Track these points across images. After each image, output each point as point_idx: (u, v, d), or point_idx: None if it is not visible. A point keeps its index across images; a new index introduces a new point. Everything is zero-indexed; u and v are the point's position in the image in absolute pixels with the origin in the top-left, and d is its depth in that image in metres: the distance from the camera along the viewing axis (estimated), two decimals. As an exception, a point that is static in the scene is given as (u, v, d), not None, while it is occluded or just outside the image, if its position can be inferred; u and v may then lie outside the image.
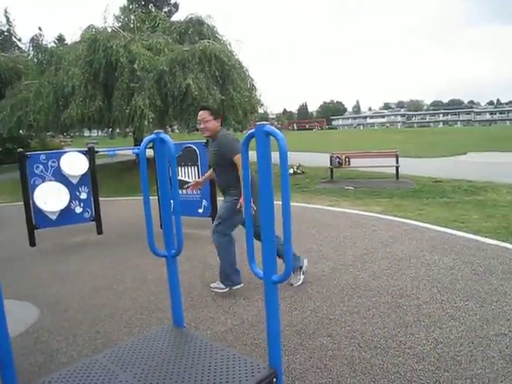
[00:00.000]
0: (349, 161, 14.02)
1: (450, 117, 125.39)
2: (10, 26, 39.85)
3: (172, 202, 2.65)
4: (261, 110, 19.91)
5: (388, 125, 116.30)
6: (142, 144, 2.61)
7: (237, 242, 4.57)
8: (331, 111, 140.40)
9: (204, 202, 7.14)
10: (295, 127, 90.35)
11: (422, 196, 10.34)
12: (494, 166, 16.11)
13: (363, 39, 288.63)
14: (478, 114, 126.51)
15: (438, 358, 3.13)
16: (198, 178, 7.08)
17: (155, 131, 2.61)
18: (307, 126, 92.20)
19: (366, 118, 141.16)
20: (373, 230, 6.91)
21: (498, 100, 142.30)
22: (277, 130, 1.87)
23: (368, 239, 6.36)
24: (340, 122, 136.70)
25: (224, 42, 17.96)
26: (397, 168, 13.24)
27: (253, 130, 1.95)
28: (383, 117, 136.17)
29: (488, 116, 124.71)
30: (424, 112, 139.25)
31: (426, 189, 11.37)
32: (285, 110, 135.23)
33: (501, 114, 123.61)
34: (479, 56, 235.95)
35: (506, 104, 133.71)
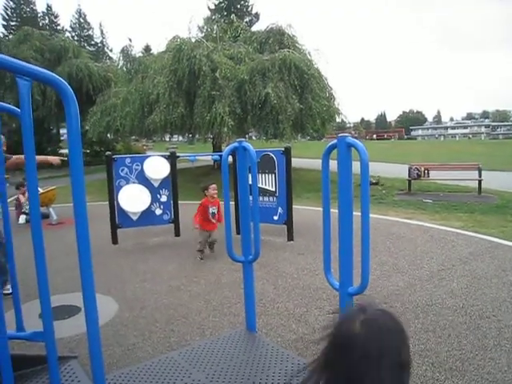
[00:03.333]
0: (428, 173, 13.53)
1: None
2: (103, 37, 42.58)
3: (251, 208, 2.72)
4: (338, 119, 19.70)
5: (470, 136, 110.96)
6: (224, 151, 2.70)
7: (311, 253, 4.57)
8: (410, 121, 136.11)
9: (280, 210, 7.19)
10: (375, 137, 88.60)
11: (506, 212, 9.77)
12: None
13: (446, 47, 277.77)
14: None
15: (516, 385, 2.98)
16: (275, 185, 7.16)
17: (238, 139, 2.70)
18: (385, 136, 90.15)
19: (447, 128, 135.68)
20: (451, 245, 6.64)
21: None
22: (359, 142, 1.88)
23: (446, 255, 6.13)
24: (419, 132, 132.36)
25: (303, 51, 18.01)
26: (479, 182, 12.60)
27: (335, 141, 1.97)
28: (465, 127, 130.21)
29: None
30: (511, 123, 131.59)
31: (511, 205, 10.75)
32: (362, 118, 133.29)
33: None
34: None
35: None
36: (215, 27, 19.60)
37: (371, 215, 7.12)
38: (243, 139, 2.68)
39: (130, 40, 23.03)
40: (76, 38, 40.55)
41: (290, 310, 4.39)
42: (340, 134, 1.93)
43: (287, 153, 6.97)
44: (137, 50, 25.23)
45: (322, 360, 1.12)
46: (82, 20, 42.72)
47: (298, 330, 3.94)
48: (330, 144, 2.02)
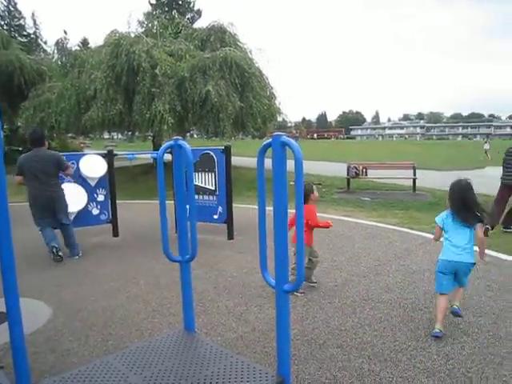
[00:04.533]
0: (366, 171, 13.97)
1: (469, 130, 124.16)
2: (36, 28, 40.63)
3: (188, 207, 2.68)
4: (280, 118, 19.92)
5: (407, 136, 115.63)
6: (160, 149, 2.65)
7: (251, 251, 4.59)
8: (350, 121, 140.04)
9: (220, 209, 7.17)
10: (315, 136, 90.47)
11: (438, 209, 10.16)
12: None
13: (383, 49, 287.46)
14: (499, 127, 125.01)
15: (448, 374, 3.11)
16: (215, 184, 7.13)
17: (174, 138, 2.65)
18: (326, 135, 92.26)
19: (384, 128, 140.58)
20: (388, 241, 6.87)
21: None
22: (293, 141, 1.89)
23: (382, 251, 6.34)
24: (359, 132, 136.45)
25: (245, 49, 18.07)
26: (414, 180, 13.14)
27: (270, 140, 1.97)
28: (402, 128, 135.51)
29: (509, 130, 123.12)
30: (443, 124, 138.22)
31: (443, 202, 11.23)
32: (304, 118, 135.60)
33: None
34: (500, 70, 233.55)
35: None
36: (156, 23, 19.26)
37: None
38: (179, 137, 2.64)
39: (66, 32, 22.08)
40: (5, 27, 38.28)
41: (230, 309, 4.38)
42: (275, 133, 1.94)
43: (227, 151, 6.96)
44: (73, 43, 24.31)
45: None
46: (11, 8, 40.15)
47: (237, 328, 3.93)
48: (265, 143, 2.02)
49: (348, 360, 3.33)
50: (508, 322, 3.96)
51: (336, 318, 4.09)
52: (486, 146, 32.78)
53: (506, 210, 7.64)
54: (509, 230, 7.62)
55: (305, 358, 3.36)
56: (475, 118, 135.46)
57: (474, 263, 3.81)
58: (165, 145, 2.68)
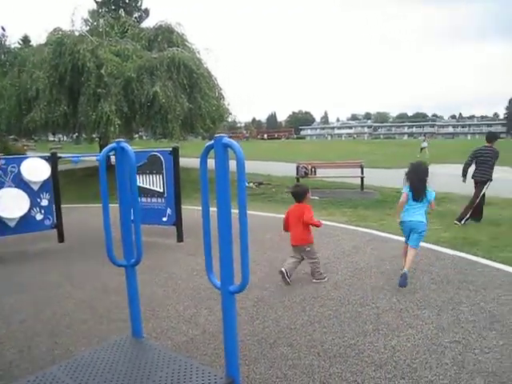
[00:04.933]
0: (315, 171, 14.18)
1: (414, 129, 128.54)
2: (-28, 24, 38.75)
3: (132, 210, 2.63)
4: (229, 119, 19.92)
5: (355, 136, 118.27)
6: (101, 152, 2.58)
7: (201, 253, 4.55)
8: (300, 121, 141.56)
9: (168, 211, 7.08)
10: (265, 136, 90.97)
11: (384, 206, 10.51)
12: (453, 177, 16.50)
13: (330, 50, 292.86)
14: (442, 127, 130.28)
15: (394, 366, 3.20)
16: (163, 186, 7.03)
17: (116, 140, 2.60)
18: (276, 136, 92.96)
19: (333, 128, 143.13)
20: (337, 239, 7.00)
21: (460, 114, 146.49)
22: (235, 142, 1.89)
23: (331, 249, 6.44)
24: (308, 131, 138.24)
25: (193, 50, 17.94)
26: (362, 179, 13.44)
27: (212, 142, 1.97)
28: (350, 128, 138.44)
29: (451, 129, 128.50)
30: (390, 124, 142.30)
31: (390, 199, 11.56)
32: (254, 118, 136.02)
33: (462, 127, 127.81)
34: (443, 72, 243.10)
35: (468, 118, 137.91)
36: (101, 21, 18.77)
37: (261, 213, 7.33)
38: (122, 139, 2.58)
39: (4, 29, 21.07)
40: None
41: (180, 312, 4.33)
42: (216, 135, 1.93)
43: (175, 153, 6.88)
44: (12, 41, 23.39)
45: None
46: None
47: (188, 331, 3.90)
48: (207, 144, 2.01)
49: (298, 358, 3.36)
50: (450, 313, 4.11)
51: (286, 317, 4.12)
52: (424, 144, 34.64)
53: (468, 205, 8.26)
54: (459, 223, 8.08)
55: (255, 358, 3.37)
56: (420, 117, 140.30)
57: (425, 222, 5.07)
58: (107, 147, 2.62)
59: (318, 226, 5.17)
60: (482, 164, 8.13)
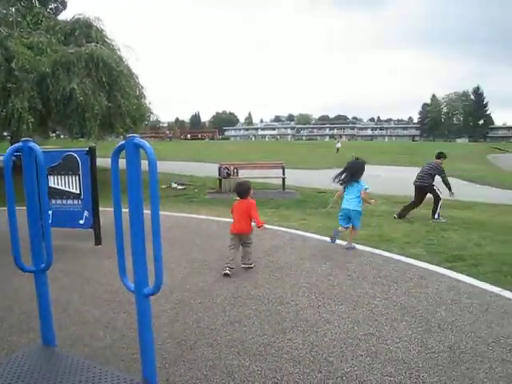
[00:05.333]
0: (237, 172, 14.26)
1: (335, 131, 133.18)
2: None
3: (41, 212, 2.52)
4: (151, 118, 19.52)
5: (278, 137, 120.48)
6: (6, 152, 2.44)
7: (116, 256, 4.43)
8: (224, 122, 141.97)
9: (86, 213, 6.83)
10: (189, 136, 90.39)
11: (305, 206, 10.81)
12: (371, 177, 17.29)
13: (255, 51, 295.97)
14: (361, 129, 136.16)
15: (312, 361, 3.30)
16: (80, 187, 6.76)
17: (23, 139, 2.47)
18: (200, 136, 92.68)
19: (257, 129, 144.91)
20: (258, 239, 7.03)
21: (378, 117, 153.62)
22: (146, 143, 1.86)
23: (252, 248, 6.49)
24: (232, 132, 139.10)
25: (113, 46, 17.38)
26: (283, 179, 13.71)
27: (123, 142, 1.93)
28: (274, 129, 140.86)
29: (370, 131, 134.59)
30: (312, 126, 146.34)
31: (310, 199, 11.93)
32: (177, 118, 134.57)
33: (380, 130, 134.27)
34: (362, 76, 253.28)
35: (385, 121, 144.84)
36: (13, 10, 17.62)
37: (182, 214, 7.27)
38: (29, 139, 2.46)
39: None
40: None
41: (98, 318, 4.19)
42: (128, 135, 1.89)
43: (92, 153, 6.63)
44: None
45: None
46: None
47: (105, 337, 3.78)
48: (119, 144, 1.97)
49: (218, 358, 3.37)
50: (365, 307, 4.30)
51: (207, 318, 4.11)
52: (338, 145, 36.74)
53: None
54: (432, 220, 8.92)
55: (175, 361, 3.34)
56: (341, 119, 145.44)
57: (359, 211, 6.43)
58: (12, 147, 2.47)
59: (259, 226, 5.62)
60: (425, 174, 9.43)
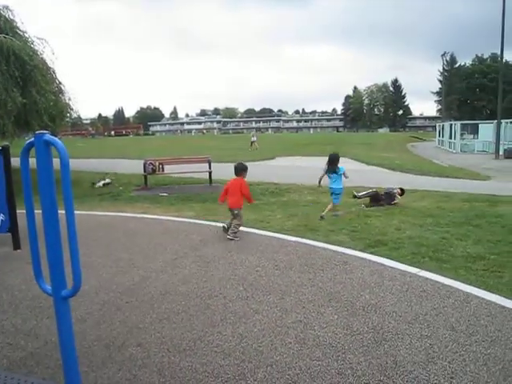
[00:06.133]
0: (162, 167, 14.02)
1: (261, 124, 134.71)
2: None
3: None
4: (74, 115, 18.68)
5: (205, 131, 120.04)
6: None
7: (43, 259, 4.22)
8: (148, 117, 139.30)
9: (1, 216, 6.45)
10: (113, 133, 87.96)
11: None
12: (297, 169, 17.71)
13: (179, 46, 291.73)
14: (287, 121, 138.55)
15: (242, 352, 3.34)
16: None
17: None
18: (124, 132, 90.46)
19: (183, 124, 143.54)
20: (184, 234, 7.02)
21: (303, 109, 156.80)
22: (57, 140, 1.79)
23: (179, 244, 6.45)
24: (158, 127, 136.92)
25: (26, 39, 16.38)
26: (210, 173, 13.66)
27: (32, 139, 1.83)
28: (200, 123, 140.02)
29: (295, 124, 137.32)
30: (238, 119, 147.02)
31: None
32: (100, 114, 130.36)
33: (305, 122, 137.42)
34: (287, 69, 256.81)
35: (310, 113, 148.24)
36: None
37: (107, 213, 7.07)
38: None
39: None
40: None
41: (18, 326, 3.97)
42: (37, 132, 1.80)
43: (5, 152, 6.27)
44: None
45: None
46: None
47: (27, 345, 3.60)
48: (28, 142, 1.87)
49: (148, 357, 3.32)
50: (293, 295, 4.41)
51: (134, 317, 4.03)
52: (254, 138, 37.43)
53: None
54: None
55: (103, 363, 3.26)
56: (266, 113, 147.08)
57: (342, 188, 8.37)
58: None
59: (249, 201, 7.16)
60: None
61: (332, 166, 8.25)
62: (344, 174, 8.28)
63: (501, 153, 29.60)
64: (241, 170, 6.93)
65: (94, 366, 3.21)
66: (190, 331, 3.72)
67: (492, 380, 2.91)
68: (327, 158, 8.40)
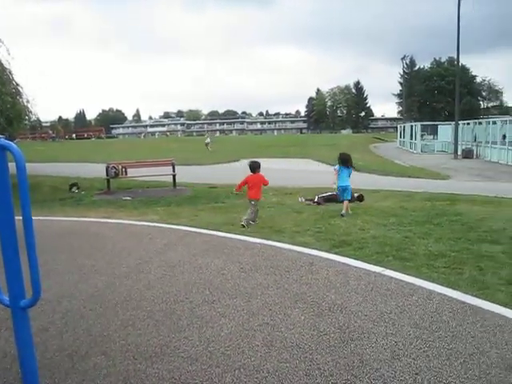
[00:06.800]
0: (125, 171, 13.79)
1: (225, 126, 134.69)
2: None
3: None
4: (33, 118, 18.15)
5: (169, 133, 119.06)
6: None
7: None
8: (111, 120, 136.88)
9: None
10: (74, 136, 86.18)
11: (197, 202, 10.78)
12: (261, 171, 17.71)
13: (140, 48, 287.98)
14: (251, 123, 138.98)
15: (209, 357, 3.29)
16: None
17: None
18: (86, 135, 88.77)
19: (146, 126, 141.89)
20: (148, 238, 6.92)
21: (267, 111, 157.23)
22: (13, 144, 1.72)
23: (143, 249, 6.35)
24: (120, 130, 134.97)
25: (-22, 37, 15.82)
26: (173, 176, 13.54)
27: (-15, 144, 1.76)
28: (164, 126, 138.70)
29: (259, 126, 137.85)
30: (202, 121, 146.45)
31: (202, 195, 11.91)
32: (60, 117, 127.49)
33: (269, 124, 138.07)
34: (250, 71, 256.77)
35: (274, 115, 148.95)
36: None
37: (69, 218, 6.88)
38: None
39: None
40: None
41: (-27, 339, 3.83)
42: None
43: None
44: None
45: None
46: None
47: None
48: (-19, 147, 1.79)
49: (113, 365, 3.24)
50: (259, 298, 4.39)
51: (98, 325, 3.94)
52: (208, 140, 37.72)
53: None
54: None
55: (66, 374, 3.16)
56: (230, 115, 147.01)
57: (350, 186, 8.72)
58: None
59: (266, 184, 8.29)
60: None
61: (346, 164, 8.79)
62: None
63: (459, 153, 30.57)
64: (258, 167, 8.16)
65: (56, 377, 3.11)
66: (156, 337, 3.65)
67: (454, 374, 2.97)
68: (338, 158, 8.96)
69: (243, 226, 7.41)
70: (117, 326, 3.91)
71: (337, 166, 8.84)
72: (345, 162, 8.80)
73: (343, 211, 8.38)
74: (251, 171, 8.08)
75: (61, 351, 3.50)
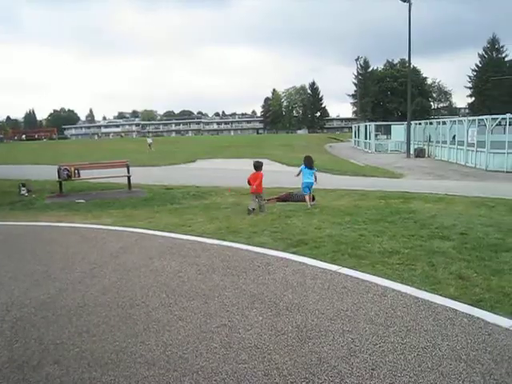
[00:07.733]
0: (78, 173, 13.40)
1: (181, 126, 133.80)
2: None
3: None
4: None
5: (123, 134, 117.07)
6: None
7: None
8: (63, 120, 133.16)
9: None
10: (24, 137, 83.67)
11: (153, 204, 10.64)
12: (218, 171, 17.74)
13: (94, 46, 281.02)
14: (207, 124, 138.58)
15: (167, 361, 3.25)
16: None
17: None
18: (37, 136, 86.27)
19: (100, 127, 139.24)
20: (103, 242, 6.76)
21: (223, 112, 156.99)
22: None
23: (97, 253, 6.19)
24: (73, 131, 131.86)
25: None
26: (128, 178, 13.30)
27: None
28: (118, 126, 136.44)
29: (216, 126, 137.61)
30: (157, 122, 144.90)
31: (158, 196, 11.76)
32: (9, 117, 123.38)
33: (226, 124, 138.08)
34: (206, 71, 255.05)
35: (230, 116, 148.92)
36: None
37: (17, 223, 6.67)
38: None
39: None
40: None
41: None
42: None
43: None
44: None
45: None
46: None
47: None
48: None
49: (67, 374, 3.15)
50: (216, 299, 4.36)
51: (51, 333, 3.81)
52: (150, 141, 38.03)
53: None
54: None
55: (16, 386, 3.04)
56: (186, 115, 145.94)
57: (313, 182, 9.52)
58: None
59: (259, 188, 8.94)
60: None
61: (309, 165, 9.68)
62: (315, 174, 9.71)
63: (411, 152, 31.46)
64: (260, 166, 9.09)
65: (6, 390, 3.00)
66: (112, 343, 3.57)
67: (408, 367, 3.04)
68: (303, 159, 9.92)
69: (249, 212, 8.64)
70: (70, 333, 3.80)
71: (302, 166, 9.73)
72: (308, 163, 9.73)
73: (308, 205, 9.29)
74: (255, 169, 9.05)
75: (10, 362, 3.37)
